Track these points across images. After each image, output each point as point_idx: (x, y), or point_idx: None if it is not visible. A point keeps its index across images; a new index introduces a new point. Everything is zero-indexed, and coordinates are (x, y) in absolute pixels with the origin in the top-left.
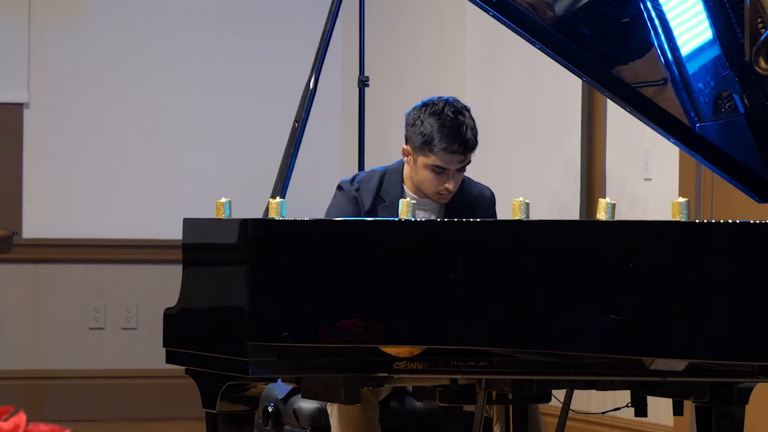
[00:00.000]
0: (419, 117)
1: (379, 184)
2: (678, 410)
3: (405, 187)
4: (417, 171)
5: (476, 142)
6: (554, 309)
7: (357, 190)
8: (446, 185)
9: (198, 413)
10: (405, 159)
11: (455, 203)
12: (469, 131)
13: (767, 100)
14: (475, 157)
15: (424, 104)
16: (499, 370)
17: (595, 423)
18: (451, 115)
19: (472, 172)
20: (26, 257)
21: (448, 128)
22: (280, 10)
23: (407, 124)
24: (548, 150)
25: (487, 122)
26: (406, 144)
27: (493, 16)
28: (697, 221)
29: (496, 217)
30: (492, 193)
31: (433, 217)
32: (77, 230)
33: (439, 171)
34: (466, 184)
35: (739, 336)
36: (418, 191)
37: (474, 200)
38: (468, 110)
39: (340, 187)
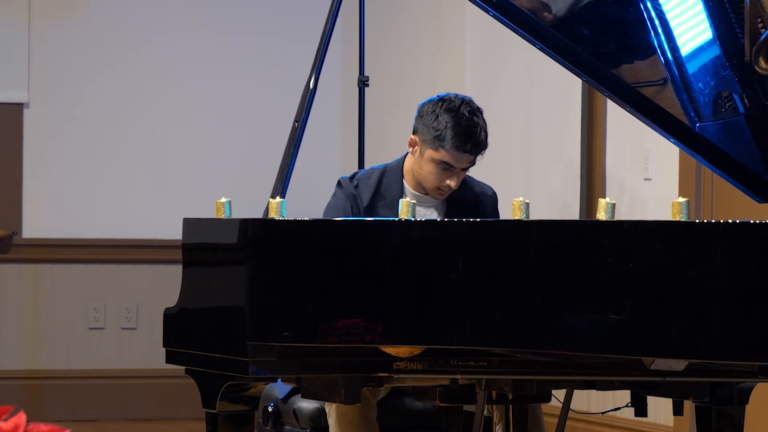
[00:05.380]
0: (434, 111)
1: (378, 182)
2: (678, 410)
3: (405, 183)
4: (422, 164)
5: (487, 144)
6: (554, 309)
7: (356, 187)
8: (448, 182)
9: (198, 413)
10: (410, 150)
11: (458, 201)
12: (482, 133)
13: (767, 100)
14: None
15: (441, 99)
16: (499, 370)
17: (595, 423)
18: (467, 114)
19: (472, 170)
20: (26, 257)
21: (463, 127)
22: (280, 10)
23: (419, 116)
24: (548, 150)
25: (487, 122)
26: (414, 134)
27: (493, 16)
28: (697, 221)
29: (498, 216)
30: (494, 192)
31: (434, 215)
32: (77, 230)
33: (445, 167)
34: (468, 183)
35: (739, 336)
36: (419, 187)
37: (476, 198)
38: (481, 112)
39: (339, 184)
